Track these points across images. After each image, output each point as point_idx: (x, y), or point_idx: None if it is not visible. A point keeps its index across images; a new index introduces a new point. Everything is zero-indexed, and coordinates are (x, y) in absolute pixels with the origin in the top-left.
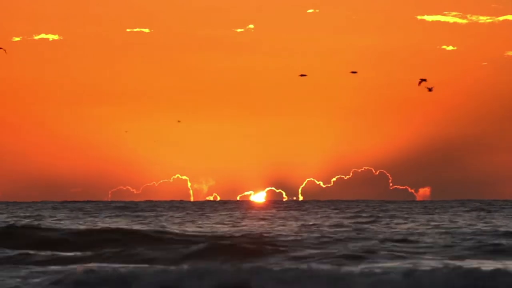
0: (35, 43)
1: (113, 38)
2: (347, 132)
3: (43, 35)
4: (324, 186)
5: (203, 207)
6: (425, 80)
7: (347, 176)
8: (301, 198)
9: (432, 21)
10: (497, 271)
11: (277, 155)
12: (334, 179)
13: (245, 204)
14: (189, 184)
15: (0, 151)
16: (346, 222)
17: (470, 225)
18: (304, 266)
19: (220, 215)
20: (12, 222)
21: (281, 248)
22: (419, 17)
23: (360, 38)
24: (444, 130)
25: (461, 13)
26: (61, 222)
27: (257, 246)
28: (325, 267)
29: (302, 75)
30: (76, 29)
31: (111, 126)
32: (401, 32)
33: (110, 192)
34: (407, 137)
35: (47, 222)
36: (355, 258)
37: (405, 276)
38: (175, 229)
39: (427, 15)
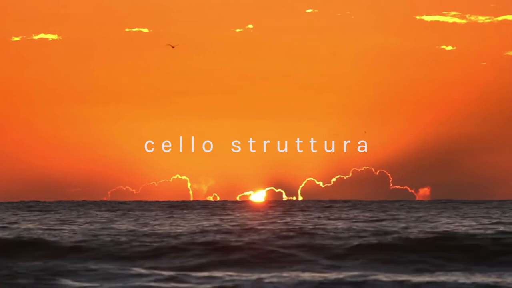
0: (34, 43)
1: (112, 38)
2: (347, 132)
3: (42, 35)
4: (323, 186)
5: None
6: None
7: (347, 176)
8: (300, 198)
9: (431, 21)
10: None
11: (276, 155)
12: (334, 179)
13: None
14: (188, 184)
15: (0, 151)
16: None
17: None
18: None
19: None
20: None
21: None
22: (417, 17)
23: (359, 38)
24: (444, 130)
25: (460, 13)
26: None
27: None
28: None
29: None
30: (75, 29)
31: (111, 126)
32: (399, 32)
33: (109, 192)
34: (407, 137)
35: None
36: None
37: None
38: None
39: (426, 15)
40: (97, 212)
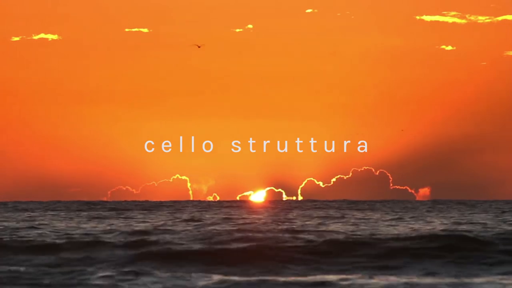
0: (34, 43)
1: (112, 38)
2: (347, 132)
3: (42, 35)
4: (323, 186)
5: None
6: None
7: (347, 176)
8: (300, 198)
9: (431, 21)
10: None
11: (276, 155)
12: (334, 179)
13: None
14: (188, 184)
15: (1, 151)
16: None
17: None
18: None
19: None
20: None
21: None
22: (417, 17)
23: (359, 38)
24: (443, 130)
25: (460, 13)
26: None
27: None
28: None
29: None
30: (75, 29)
31: (111, 126)
32: (399, 32)
33: (109, 192)
34: (407, 137)
35: None
36: None
37: None
38: None
39: (426, 15)
40: (64, 213)
